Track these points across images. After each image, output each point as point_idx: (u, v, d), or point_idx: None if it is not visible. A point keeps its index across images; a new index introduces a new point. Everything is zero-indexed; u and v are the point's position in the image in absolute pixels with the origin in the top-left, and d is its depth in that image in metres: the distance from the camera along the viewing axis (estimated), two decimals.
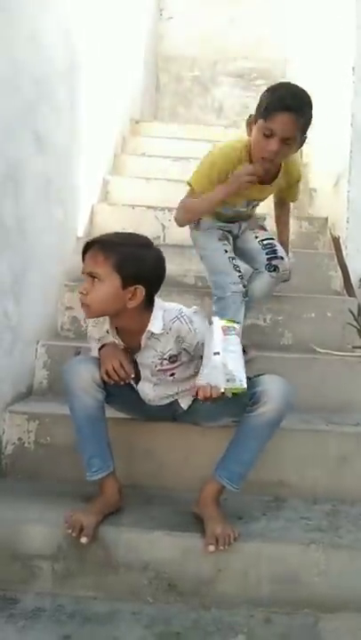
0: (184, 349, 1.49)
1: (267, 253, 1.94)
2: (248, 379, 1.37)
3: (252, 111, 1.81)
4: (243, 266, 1.97)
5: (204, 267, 2.02)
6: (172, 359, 1.50)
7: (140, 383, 1.56)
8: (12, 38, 1.70)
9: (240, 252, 2.02)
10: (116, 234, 1.47)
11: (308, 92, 1.75)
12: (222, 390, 1.32)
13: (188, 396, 1.59)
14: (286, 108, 1.67)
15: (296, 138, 1.74)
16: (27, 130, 1.87)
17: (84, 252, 1.43)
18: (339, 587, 1.37)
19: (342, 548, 1.39)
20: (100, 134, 3.04)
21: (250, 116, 1.80)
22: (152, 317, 1.45)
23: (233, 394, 1.33)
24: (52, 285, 2.24)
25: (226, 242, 1.95)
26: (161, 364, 1.51)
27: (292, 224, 2.88)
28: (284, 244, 2.08)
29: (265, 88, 1.80)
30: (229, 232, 2.00)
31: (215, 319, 1.41)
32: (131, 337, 1.50)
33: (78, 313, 2.29)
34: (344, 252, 2.55)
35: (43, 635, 1.24)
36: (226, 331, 1.37)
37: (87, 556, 1.40)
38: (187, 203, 1.89)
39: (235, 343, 1.37)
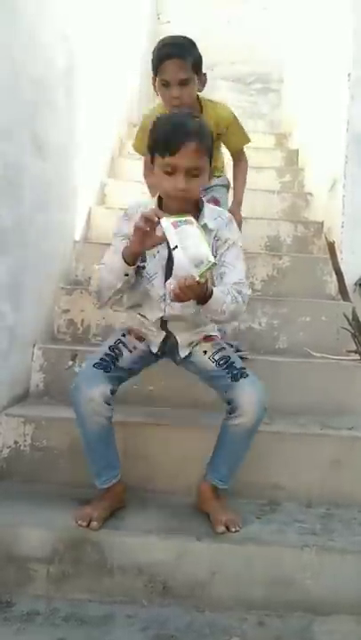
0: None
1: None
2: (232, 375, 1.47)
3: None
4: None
5: None
6: None
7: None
8: (12, 41, 1.72)
9: None
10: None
11: (190, 39, 1.82)
12: (197, 278, 1.29)
13: (186, 347, 1.60)
14: (168, 55, 1.76)
15: (191, 78, 1.81)
16: (25, 132, 1.88)
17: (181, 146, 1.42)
18: (332, 589, 1.38)
19: (336, 551, 1.40)
20: (98, 137, 3.05)
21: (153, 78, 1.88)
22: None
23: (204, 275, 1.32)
24: (49, 288, 2.25)
25: None
26: None
27: (288, 228, 2.92)
28: (237, 203, 2.10)
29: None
30: None
31: (162, 220, 1.38)
32: None
33: (75, 316, 2.30)
34: (339, 257, 2.56)
35: (37, 638, 1.24)
36: (176, 224, 1.37)
37: (82, 559, 1.41)
38: None
39: (188, 229, 1.36)
